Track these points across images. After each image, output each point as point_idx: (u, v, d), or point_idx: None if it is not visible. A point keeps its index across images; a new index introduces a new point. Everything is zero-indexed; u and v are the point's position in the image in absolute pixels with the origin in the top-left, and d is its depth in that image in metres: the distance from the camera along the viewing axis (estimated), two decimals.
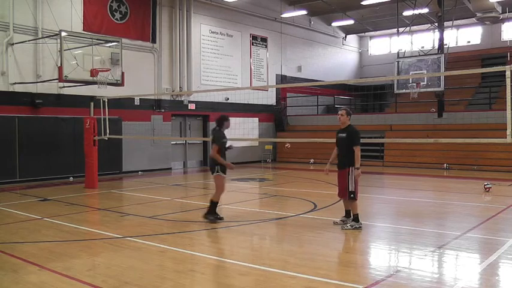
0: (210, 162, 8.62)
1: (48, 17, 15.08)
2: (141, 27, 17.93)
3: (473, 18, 24.17)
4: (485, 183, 12.27)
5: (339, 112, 8.02)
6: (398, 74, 19.44)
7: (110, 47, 14.94)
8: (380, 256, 6.59)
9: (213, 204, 8.39)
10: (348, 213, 8.06)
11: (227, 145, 8.45)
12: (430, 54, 19.48)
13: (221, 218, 8.45)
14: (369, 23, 27.42)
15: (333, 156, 8.25)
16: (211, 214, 8.39)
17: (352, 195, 7.77)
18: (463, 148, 17.91)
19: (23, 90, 14.68)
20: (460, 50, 26.33)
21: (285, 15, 23.57)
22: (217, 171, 8.26)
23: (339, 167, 8.03)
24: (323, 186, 13.77)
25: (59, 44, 13.45)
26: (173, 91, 19.02)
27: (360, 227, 7.72)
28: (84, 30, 15.75)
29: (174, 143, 19.68)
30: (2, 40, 14.21)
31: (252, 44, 22.84)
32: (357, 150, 7.69)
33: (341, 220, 8.09)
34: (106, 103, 13.58)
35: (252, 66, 22.83)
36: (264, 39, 23.47)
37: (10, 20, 14.23)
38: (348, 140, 7.82)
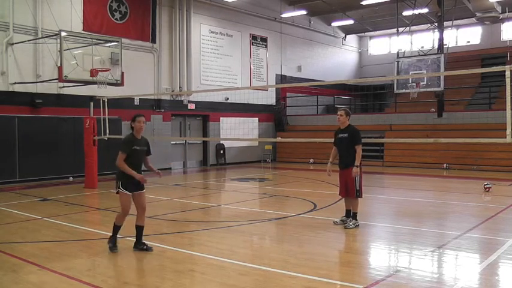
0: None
1: (48, 17, 15.07)
2: (141, 27, 17.93)
3: (473, 18, 24.19)
4: (485, 183, 12.26)
5: (338, 112, 8.04)
6: (398, 74, 19.44)
7: (109, 47, 14.95)
8: (380, 256, 6.58)
9: (114, 227, 6.53)
10: (348, 213, 8.08)
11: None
12: (430, 54, 19.48)
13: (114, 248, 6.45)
14: (368, 23, 27.42)
15: (333, 156, 8.27)
16: (111, 239, 6.52)
17: (358, 194, 7.85)
18: (463, 148, 17.90)
19: (22, 90, 14.68)
20: (460, 50, 26.32)
21: (284, 15, 23.57)
22: (118, 187, 6.60)
23: (340, 166, 8.07)
24: (323, 186, 13.76)
25: (58, 44, 13.44)
26: (173, 91, 19.02)
27: (358, 224, 7.87)
28: (84, 30, 15.74)
29: (174, 143, 19.68)
30: (1, 40, 14.20)
31: (252, 44, 22.84)
32: (359, 149, 7.78)
33: (341, 220, 8.11)
34: (106, 103, 13.57)
35: (251, 66, 22.83)
36: (264, 39, 23.47)
37: (10, 19, 14.22)
38: (349, 139, 7.87)
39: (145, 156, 6.87)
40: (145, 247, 6.46)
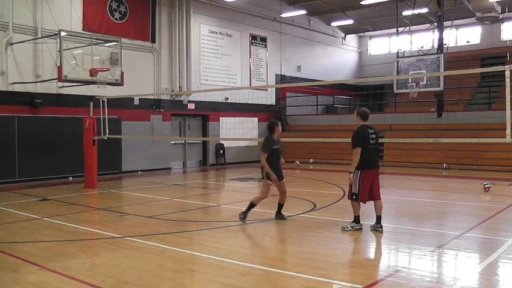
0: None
1: (48, 16, 15.06)
2: (140, 27, 17.92)
3: (473, 18, 24.18)
4: (485, 183, 12.26)
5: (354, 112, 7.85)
6: (397, 73, 19.43)
7: (109, 46, 14.92)
8: (379, 256, 6.59)
9: (251, 204, 8.45)
10: (378, 219, 7.62)
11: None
12: (430, 54, 19.48)
13: (243, 218, 8.43)
14: (368, 23, 27.42)
15: None
16: (244, 213, 8.44)
17: (354, 197, 7.54)
18: (463, 148, 17.90)
19: (22, 90, 14.67)
20: (460, 50, 26.33)
21: (284, 15, 23.57)
22: (264, 178, 8.31)
23: None
24: (323, 186, 13.77)
25: (58, 44, 13.43)
26: (173, 91, 19.01)
27: (361, 228, 7.63)
28: (83, 30, 15.74)
29: (174, 142, 19.67)
30: (1, 40, 14.19)
31: (252, 44, 22.84)
32: (354, 153, 7.40)
33: (372, 225, 7.70)
34: (105, 103, 13.57)
35: (251, 66, 22.82)
36: (264, 39, 23.46)
37: (9, 19, 14.21)
38: (351, 141, 7.61)
39: None
40: (281, 216, 8.55)
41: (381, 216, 7.61)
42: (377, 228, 7.62)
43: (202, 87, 19.74)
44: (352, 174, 7.43)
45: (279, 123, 8.52)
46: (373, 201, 7.65)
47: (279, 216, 8.61)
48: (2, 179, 13.98)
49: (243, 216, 8.37)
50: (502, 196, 11.63)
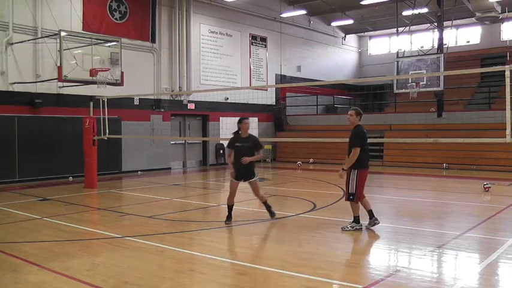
0: None
1: (48, 16, 15.06)
2: (140, 27, 17.93)
3: (473, 18, 24.19)
4: (485, 183, 12.26)
5: (349, 112, 7.74)
6: (397, 73, 19.43)
7: (109, 46, 14.92)
8: (379, 256, 6.59)
9: (227, 206, 8.38)
10: (370, 213, 7.69)
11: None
12: (430, 54, 19.48)
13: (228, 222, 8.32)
14: (368, 23, 27.42)
15: None
16: (227, 217, 8.35)
17: (351, 197, 7.57)
18: (463, 148, 17.91)
19: (22, 90, 14.67)
20: (460, 50, 26.33)
21: (284, 15, 23.57)
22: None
23: None
24: (323, 186, 13.76)
25: (58, 44, 13.43)
26: (172, 91, 19.01)
27: (361, 228, 7.64)
28: (83, 30, 15.74)
29: (174, 142, 19.67)
30: (1, 40, 14.19)
31: (252, 44, 22.84)
32: (353, 152, 7.47)
33: (368, 223, 7.72)
34: (105, 103, 13.57)
35: (251, 66, 22.82)
36: (264, 39, 23.46)
37: (9, 19, 14.21)
38: (350, 140, 7.65)
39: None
40: (271, 213, 8.57)
41: (371, 210, 7.69)
42: (374, 222, 7.67)
43: (202, 87, 19.74)
44: (344, 171, 7.55)
45: (246, 120, 8.21)
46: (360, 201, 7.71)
47: (270, 213, 8.59)
48: (2, 179, 13.98)
49: (228, 220, 8.26)
50: (502, 196, 11.63)
